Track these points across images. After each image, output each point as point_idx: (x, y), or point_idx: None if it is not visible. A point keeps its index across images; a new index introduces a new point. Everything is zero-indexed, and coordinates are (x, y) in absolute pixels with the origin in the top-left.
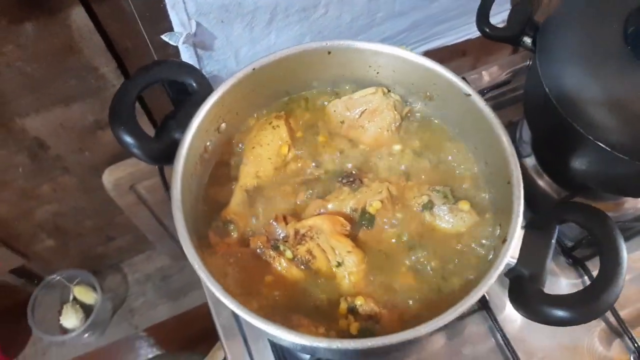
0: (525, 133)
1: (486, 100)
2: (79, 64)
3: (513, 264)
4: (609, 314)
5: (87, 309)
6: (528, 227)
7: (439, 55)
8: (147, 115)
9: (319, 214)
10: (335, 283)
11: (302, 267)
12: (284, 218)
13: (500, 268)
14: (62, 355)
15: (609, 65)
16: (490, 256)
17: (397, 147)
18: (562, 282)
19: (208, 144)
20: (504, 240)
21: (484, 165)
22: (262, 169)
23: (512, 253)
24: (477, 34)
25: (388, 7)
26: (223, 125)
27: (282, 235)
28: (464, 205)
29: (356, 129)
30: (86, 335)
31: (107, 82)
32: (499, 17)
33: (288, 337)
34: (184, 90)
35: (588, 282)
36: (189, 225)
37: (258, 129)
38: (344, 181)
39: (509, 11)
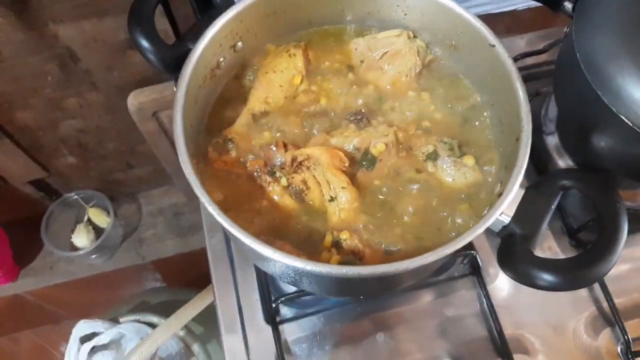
0: (552, 110)
1: (518, 69)
2: None
3: (507, 222)
4: (602, 300)
5: (98, 232)
6: (530, 188)
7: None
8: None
9: (321, 146)
10: (325, 217)
11: (295, 197)
12: (284, 145)
13: (491, 220)
14: (69, 272)
15: None
16: (485, 211)
17: (412, 94)
18: None
19: (221, 59)
20: (500, 194)
21: (499, 123)
22: (271, 95)
23: (508, 211)
24: (524, 4)
25: None
26: (239, 44)
27: (279, 161)
28: (469, 160)
29: (375, 70)
30: (94, 256)
31: None
32: None
33: (263, 251)
34: (209, 4)
35: None
36: (187, 132)
37: (274, 55)
38: (351, 118)
39: None
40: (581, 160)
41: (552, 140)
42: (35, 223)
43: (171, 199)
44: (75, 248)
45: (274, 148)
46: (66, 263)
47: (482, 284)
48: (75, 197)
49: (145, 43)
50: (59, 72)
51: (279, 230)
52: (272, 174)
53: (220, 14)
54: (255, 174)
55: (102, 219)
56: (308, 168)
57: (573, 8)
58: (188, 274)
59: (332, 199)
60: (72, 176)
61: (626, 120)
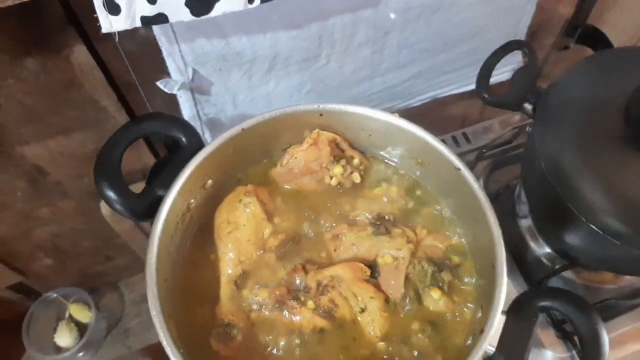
0: (523, 194)
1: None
2: (79, 97)
3: (492, 352)
4: None
5: (82, 327)
6: (510, 312)
7: (446, 97)
8: (148, 145)
9: (340, 263)
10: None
11: (324, 316)
12: (303, 268)
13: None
14: None
15: (609, 149)
16: (469, 341)
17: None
18: (548, 355)
19: (192, 201)
20: (481, 330)
21: (472, 239)
22: (243, 253)
23: (491, 341)
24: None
25: (392, 59)
26: (209, 182)
27: (302, 285)
28: (434, 293)
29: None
30: (80, 354)
31: (107, 115)
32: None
33: None
34: (177, 145)
35: (576, 358)
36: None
37: (228, 210)
38: (375, 222)
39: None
40: (553, 245)
41: (525, 223)
42: (16, 325)
43: None
44: (58, 349)
45: (295, 274)
46: None
47: None
48: (55, 295)
49: (111, 194)
50: (28, 187)
51: None
52: (296, 298)
53: (186, 155)
54: (276, 305)
55: (84, 314)
56: (333, 287)
57: (533, 109)
58: None
59: (362, 310)
60: (50, 276)
61: (597, 230)
